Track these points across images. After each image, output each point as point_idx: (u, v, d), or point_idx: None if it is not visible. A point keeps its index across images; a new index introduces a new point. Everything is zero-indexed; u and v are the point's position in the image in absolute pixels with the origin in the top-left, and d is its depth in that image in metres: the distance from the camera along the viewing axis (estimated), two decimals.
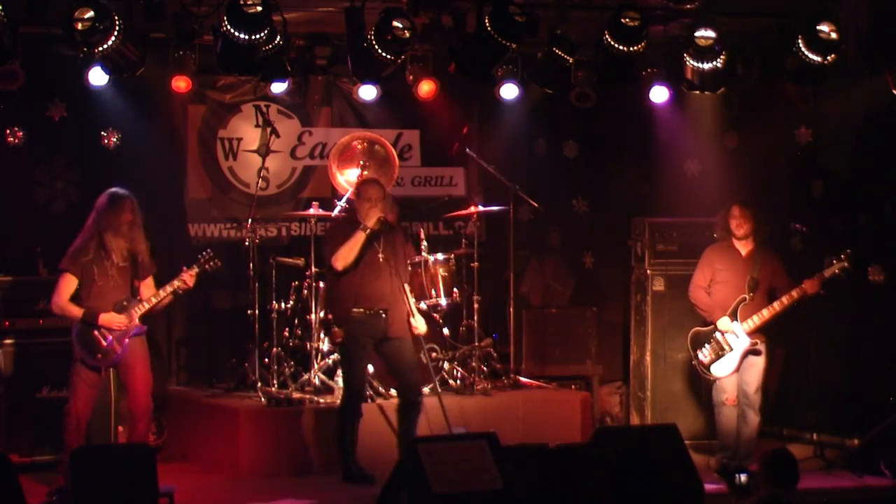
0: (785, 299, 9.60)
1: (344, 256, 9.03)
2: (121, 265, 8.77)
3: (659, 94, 10.29)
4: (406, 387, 9.28)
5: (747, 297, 9.68)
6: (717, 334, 9.76)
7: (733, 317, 9.70)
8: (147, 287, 8.89)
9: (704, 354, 9.80)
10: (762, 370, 9.76)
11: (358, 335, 9.14)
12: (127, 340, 8.72)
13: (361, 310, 9.08)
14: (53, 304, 8.76)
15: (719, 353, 9.75)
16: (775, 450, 6.43)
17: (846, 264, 9.57)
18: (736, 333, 9.69)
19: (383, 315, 9.10)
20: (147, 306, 8.80)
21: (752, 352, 9.70)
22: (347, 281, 9.10)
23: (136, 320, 8.77)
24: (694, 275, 10.03)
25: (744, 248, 9.82)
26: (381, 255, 9.07)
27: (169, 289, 8.84)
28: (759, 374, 9.76)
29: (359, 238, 8.99)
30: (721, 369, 9.75)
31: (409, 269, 9.56)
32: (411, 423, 9.19)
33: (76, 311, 8.67)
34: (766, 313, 9.63)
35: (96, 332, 8.67)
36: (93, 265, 8.68)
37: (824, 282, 9.58)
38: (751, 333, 9.67)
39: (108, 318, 8.67)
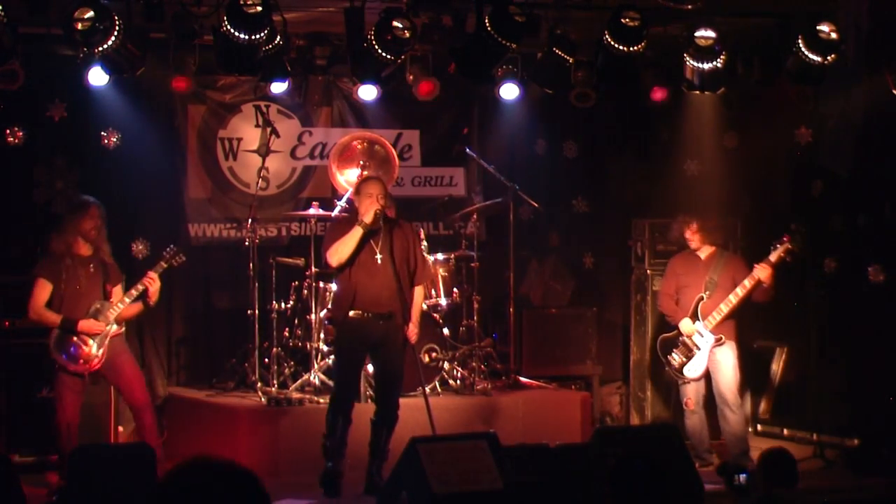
0: (739, 290, 9.71)
1: (338, 252, 8.73)
2: (91, 271, 8.81)
3: (659, 94, 10.29)
4: (385, 399, 8.93)
5: (704, 295, 9.79)
6: (684, 337, 9.83)
7: (694, 317, 9.80)
8: (115, 295, 8.97)
9: (675, 359, 9.89)
10: (732, 367, 9.80)
11: (351, 339, 8.86)
12: (107, 341, 8.75)
13: (359, 312, 8.77)
14: (30, 310, 8.82)
15: (689, 355, 9.83)
16: (774, 450, 6.43)
17: (789, 245, 9.65)
18: (700, 332, 9.78)
19: (381, 321, 8.78)
20: (120, 307, 8.82)
21: (719, 346, 9.75)
22: (345, 281, 8.86)
23: (112, 323, 8.80)
24: (661, 285, 10.25)
25: (704, 252, 9.96)
26: (378, 257, 8.77)
27: (137, 290, 8.84)
28: (728, 373, 9.79)
29: (355, 234, 8.67)
30: (693, 370, 9.83)
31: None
32: (384, 436, 8.85)
33: (54, 318, 8.72)
34: (724, 308, 9.73)
35: (75, 339, 8.69)
36: (63, 271, 8.73)
37: (773, 266, 9.63)
38: (714, 329, 9.76)
39: (88, 325, 8.71)
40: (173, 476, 3.23)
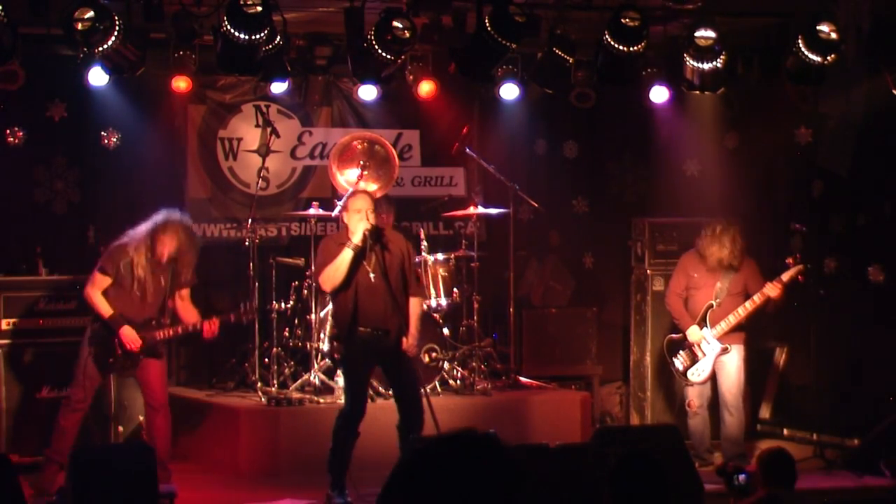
0: (749, 304, 9.71)
1: (331, 277, 8.52)
2: (156, 280, 8.84)
3: (659, 94, 10.28)
4: (408, 405, 8.69)
5: (714, 303, 9.77)
6: (690, 341, 9.84)
7: (702, 324, 9.78)
8: (182, 299, 8.99)
9: (680, 361, 9.89)
10: (736, 370, 9.80)
11: (359, 354, 8.65)
12: (142, 358, 8.78)
13: (368, 329, 8.54)
14: (85, 292, 8.85)
15: (694, 360, 9.83)
16: (772, 450, 6.44)
17: (802, 266, 9.65)
18: (707, 340, 9.77)
19: (385, 337, 8.55)
20: (170, 334, 8.92)
21: (724, 353, 9.77)
22: (343, 300, 8.61)
23: (160, 344, 8.88)
24: (670, 281, 10.17)
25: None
26: (371, 276, 8.46)
27: (193, 328, 8.96)
28: (732, 376, 9.80)
29: (345, 256, 8.44)
30: (697, 375, 9.84)
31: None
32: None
33: (106, 310, 8.74)
34: (732, 319, 9.73)
35: (114, 339, 8.72)
36: (127, 274, 8.75)
37: (785, 286, 9.62)
38: (721, 338, 9.75)
39: (129, 335, 8.70)
40: (435, 443, 3.20)
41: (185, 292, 9.01)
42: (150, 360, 8.87)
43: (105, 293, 8.79)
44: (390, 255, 8.63)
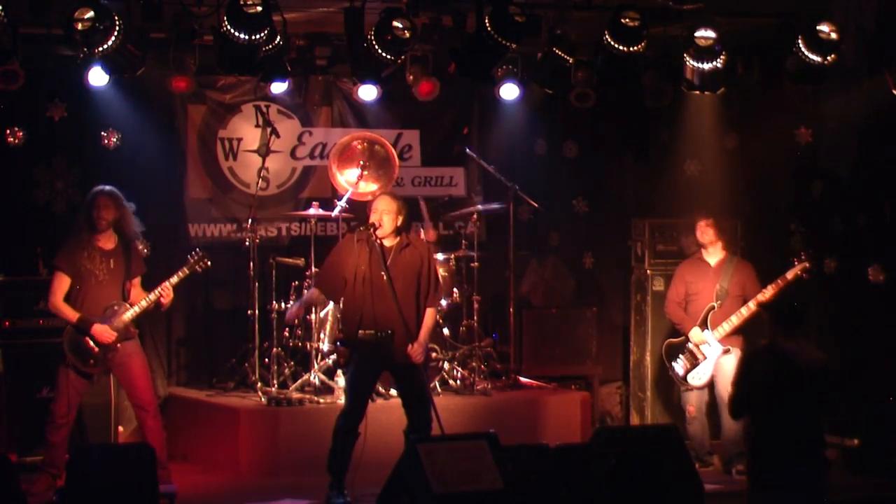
0: (752, 304, 9.71)
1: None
2: (111, 266, 8.80)
3: (658, 94, 10.28)
4: (416, 414, 8.65)
5: (715, 305, 9.78)
6: (690, 345, 9.84)
7: (703, 326, 9.80)
8: (135, 288, 8.95)
9: (679, 365, 9.90)
10: (733, 372, 9.79)
11: (364, 358, 8.59)
12: (119, 346, 8.76)
13: (371, 332, 8.51)
14: (49, 303, 8.85)
15: (694, 363, 9.84)
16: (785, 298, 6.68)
17: (807, 264, 9.66)
18: (708, 342, 9.77)
19: (391, 339, 8.50)
20: (137, 311, 8.83)
21: (726, 355, 9.78)
22: (350, 301, 8.61)
23: (129, 325, 8.83)
24: (668, 290, 10.21)
25: (713, 258, 9.93)
26: (384, 275, 8.47)
27: (149, 301, 8.87)
28: (729, 377, 9.77)
29: None
30: (697, 378, 9.85)
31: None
32: None
33: (72, 315, 8.73)
34: (734, 319, 9.74)
35: (88, 339, 8.70)
36: (84, 264, 8.74)
37: (788, 284, 9.62)
38: (723, 340, 9.76)
39: (102, 332, 8.70)
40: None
41: (137, 280, 9.00)
42: (129, 360, 8.86)
43: (67, 296, 8.78)
44: (407, 260, 8.62)
